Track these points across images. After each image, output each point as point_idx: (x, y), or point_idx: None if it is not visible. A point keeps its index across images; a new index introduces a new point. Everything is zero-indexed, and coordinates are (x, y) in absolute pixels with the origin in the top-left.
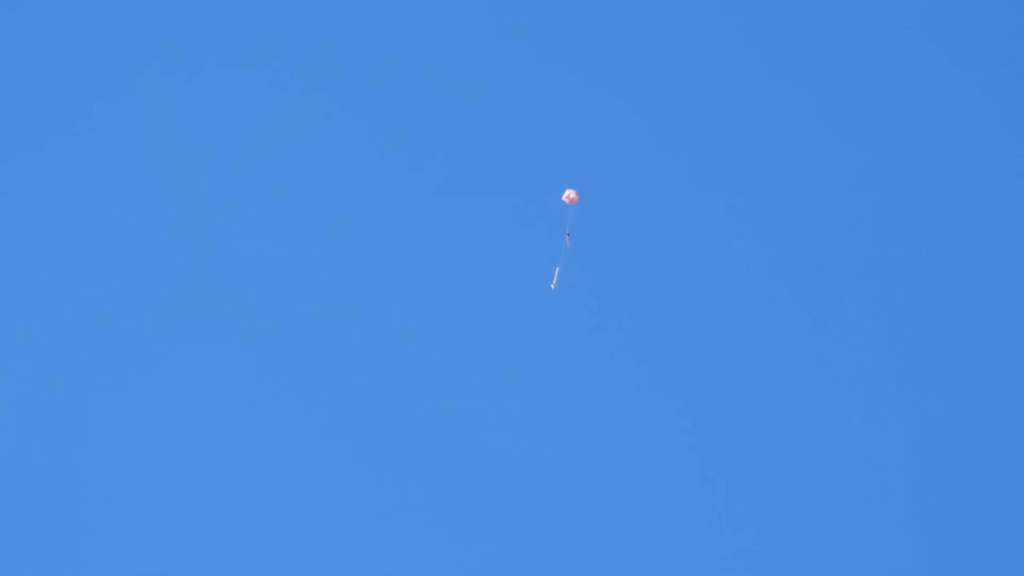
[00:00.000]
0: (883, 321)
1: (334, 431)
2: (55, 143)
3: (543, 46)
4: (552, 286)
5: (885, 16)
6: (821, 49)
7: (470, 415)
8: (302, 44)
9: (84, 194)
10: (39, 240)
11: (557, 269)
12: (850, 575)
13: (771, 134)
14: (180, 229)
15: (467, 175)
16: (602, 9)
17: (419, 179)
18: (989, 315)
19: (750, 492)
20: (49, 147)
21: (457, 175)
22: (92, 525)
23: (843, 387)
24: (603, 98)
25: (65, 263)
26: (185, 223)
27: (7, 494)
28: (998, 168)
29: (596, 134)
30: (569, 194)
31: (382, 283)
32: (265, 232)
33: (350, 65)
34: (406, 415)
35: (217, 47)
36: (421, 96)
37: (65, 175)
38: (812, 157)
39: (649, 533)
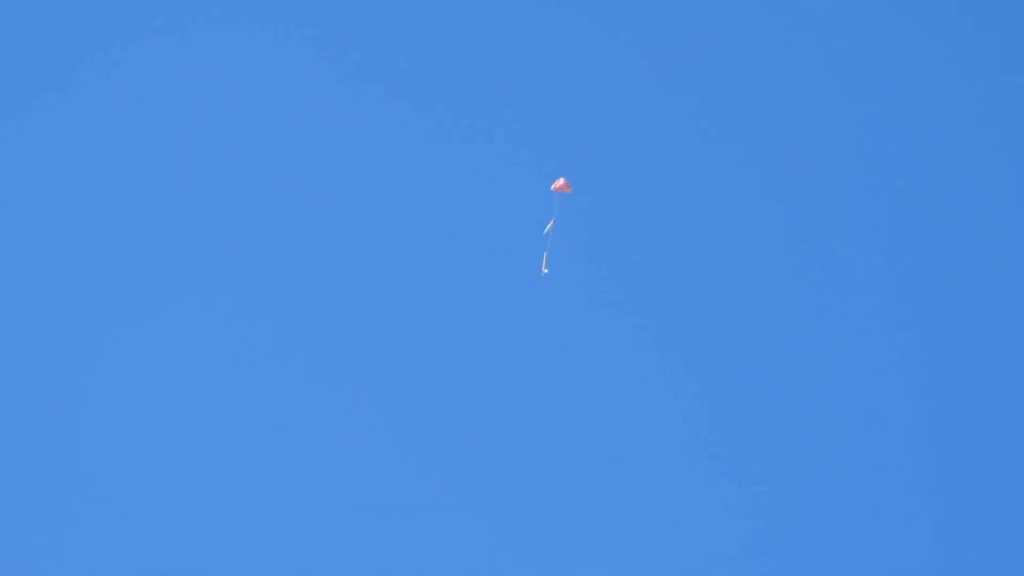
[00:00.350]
0: (898, 303)
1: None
2: (49, 96)
3: None
4: (543, 271)
5: None
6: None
7: (471, 383)
8: None
9: (80, 146)
10: (33, 199)
11: (545, 254)
12: (864, 567)
13: (779, 97)
14: (180, 182)
15: (479, 124)
16: None
17: (428, 126)
18: (1006, 297)
19: (761, 477)
20: (45, 100)
21: (469, 123)
22: (83, 514)
23: (857, 375)
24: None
25: (58, 224)
26: (186, 175)
27: None
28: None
29: (591, 78)
30: (560, 183)
31: (386, 239)
32: (267, 191)
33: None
34: (404, 380)
35: None
36: (429, 39)
37: (63, 127)
38: (824, 121)
39: (652, 521)
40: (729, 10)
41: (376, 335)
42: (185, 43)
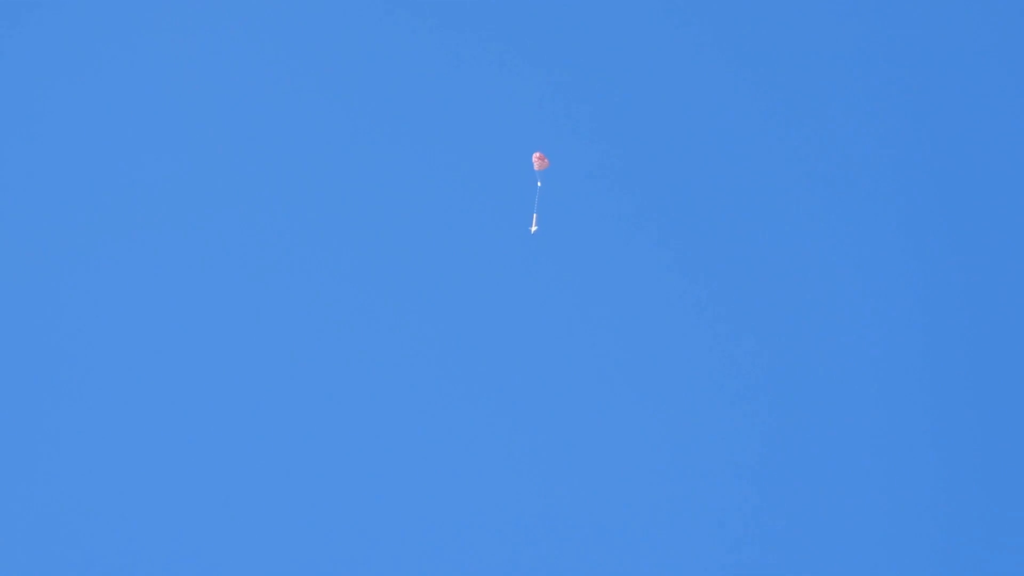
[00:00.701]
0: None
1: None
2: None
3: None
4: (532, 229)
5: None
6: None
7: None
8: None
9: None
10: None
11: (535, 215)
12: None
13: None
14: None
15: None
16: None
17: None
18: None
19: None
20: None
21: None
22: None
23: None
24: None
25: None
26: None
27: None
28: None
29: None
30: (545, 163)
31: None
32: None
33: None
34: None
35: None
36: None
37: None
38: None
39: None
40: None
41: (373, 324)
42: None
